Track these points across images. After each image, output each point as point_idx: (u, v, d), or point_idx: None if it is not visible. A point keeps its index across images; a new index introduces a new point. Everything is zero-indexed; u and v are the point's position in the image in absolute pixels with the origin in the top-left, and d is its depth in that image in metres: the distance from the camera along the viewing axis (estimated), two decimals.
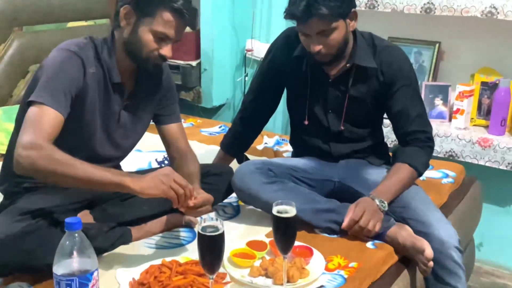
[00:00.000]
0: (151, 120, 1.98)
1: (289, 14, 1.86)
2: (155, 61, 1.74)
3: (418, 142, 2.00)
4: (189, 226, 1.92)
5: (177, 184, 1.57)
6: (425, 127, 2.02)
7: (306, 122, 2.11)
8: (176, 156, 1.95)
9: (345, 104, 2.03)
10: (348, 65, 1.99)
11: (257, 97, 2.24)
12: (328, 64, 1.97)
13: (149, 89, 1.88)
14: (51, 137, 1.58)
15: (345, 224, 1.85)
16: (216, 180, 1.99)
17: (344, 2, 1.84)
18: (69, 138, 1.67)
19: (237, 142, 2.32)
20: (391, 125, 2.05)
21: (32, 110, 1.60)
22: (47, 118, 1.59)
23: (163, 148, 2.02)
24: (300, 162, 2.13)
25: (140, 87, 1.85)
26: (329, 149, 2.12)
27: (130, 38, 1.72)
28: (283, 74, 2.13)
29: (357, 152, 2.13)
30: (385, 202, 1.88)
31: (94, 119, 1.76)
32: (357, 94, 2.02)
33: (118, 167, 1.99)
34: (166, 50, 1.72)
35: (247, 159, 2.32)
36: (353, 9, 1.90)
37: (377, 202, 1.86)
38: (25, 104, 1.67)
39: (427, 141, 2.01)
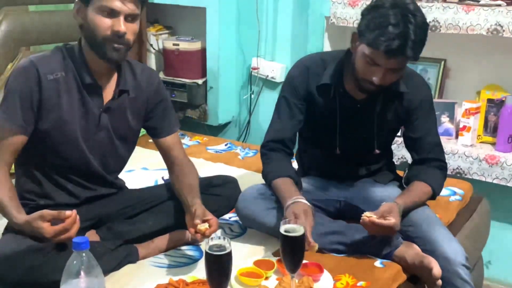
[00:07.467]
0: (148, 134, 1.97)
1: (377, 44, 1.75)
2: (112, 44, 1.69)
3: (435, 164, 2.01)
4: (195, 241, 1.90)
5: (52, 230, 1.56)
6: (442, 156, 2.04)
7: (337, 152, 2.03)
8: (173, 166, 1.95)
9: (374, 129, 2.01)
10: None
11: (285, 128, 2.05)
12: (375, 94, 1.93)
13: (132, 90, 1.84)
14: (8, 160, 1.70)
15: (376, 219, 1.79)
16: (220, 191, 1.99)
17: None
18: (55, 149, 1.75)
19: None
20: (396, 143, 2.03)
21: None
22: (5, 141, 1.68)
23: None
24: (304, 183, 2.11)
25: (120, 88, 1.82)
26: (345, 173, 2.11)
27: (84, 27, 1.72)
28: (309, 102, 2.03)
29: (369, 172, 2.13)
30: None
31: (74, 124, 1.76)
32: (384, 119, 2.01)
33: (119, 181, 1.98)
34: (117, 25, 1.67)
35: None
36: None
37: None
38: None
39: (443, 167, 2.04)
